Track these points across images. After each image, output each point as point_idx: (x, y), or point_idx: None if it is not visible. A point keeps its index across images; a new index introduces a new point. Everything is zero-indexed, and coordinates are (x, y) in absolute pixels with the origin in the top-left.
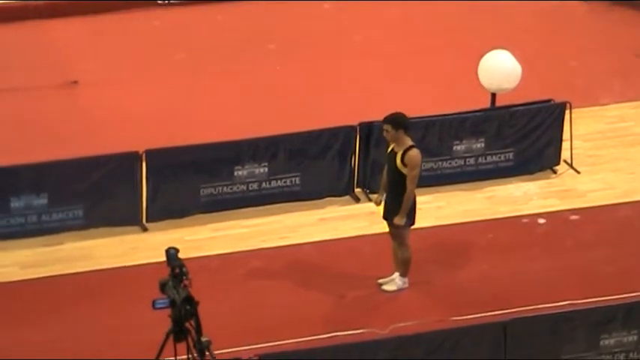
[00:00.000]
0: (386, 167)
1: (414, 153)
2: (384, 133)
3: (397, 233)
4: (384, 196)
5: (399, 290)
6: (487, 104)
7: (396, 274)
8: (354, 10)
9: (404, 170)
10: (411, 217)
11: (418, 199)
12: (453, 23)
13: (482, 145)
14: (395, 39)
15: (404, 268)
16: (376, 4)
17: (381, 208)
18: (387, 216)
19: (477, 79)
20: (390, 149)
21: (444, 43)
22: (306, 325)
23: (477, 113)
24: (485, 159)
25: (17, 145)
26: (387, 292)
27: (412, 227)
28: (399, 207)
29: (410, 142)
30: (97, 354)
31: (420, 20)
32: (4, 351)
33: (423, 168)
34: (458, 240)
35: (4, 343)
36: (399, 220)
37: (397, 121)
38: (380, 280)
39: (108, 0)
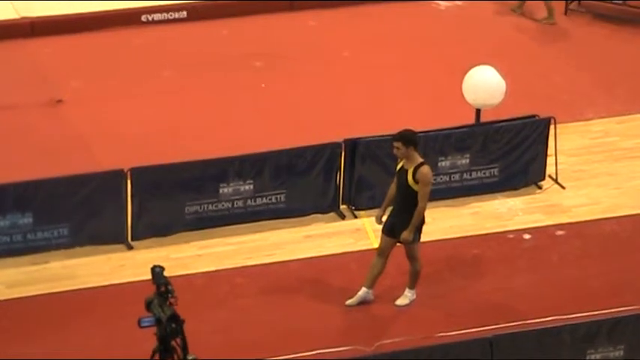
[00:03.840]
0: (395, 184)
1: (426, 170)
2: (395, 151)
3: (408, 249)
4: (387, 211)
5: (410, 303)
6: (472, 120)
7: (363, 290)
8: (339, 26)
9: (415, 187)
10: (419, 232)
11: None
12: (438, 39)
13: (467, 160)
14: (380, 55)
15: (413, 281)
16: (361, 21)
17: (371, 224)
18: (394, 231)
19: (462, 94)
20: (399, 166)
21: (429, 59)
22: (291, 342)
23: (462, 129)
24: (470, 175)
25: (2, 163)
26: (400, 306)
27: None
28: (407, 223)
29: (420, 159)
30: None
31: (405, 37)
32: None
33: None
34: (443, 256)
35: None
36: (408, 236)
37: (408, 138)
38: (348, 302)
39: (90, 18)
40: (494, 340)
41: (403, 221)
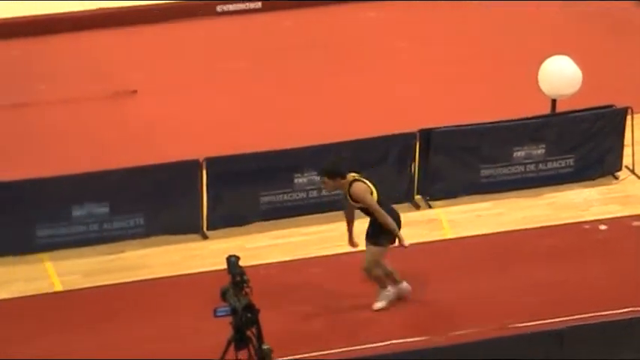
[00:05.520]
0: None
1: (356, 187)
2: (324, 186)
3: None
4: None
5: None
6: (547, 110)
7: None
8: (406, 16)
9: (359, 205)
10: (387, 237)
11: (478, 205)
12: (511, 28)
13: (543, 151)
14: (454, 45)
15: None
16: (427, 12)
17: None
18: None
19: (537, 84)
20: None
21: (502, 48)
22: (364, 331)
23: (538, 119)
24: (546, 165)
25: (78, 154)
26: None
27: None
28: (380, 230)
29: (350, 179)
30: None
31: (474, 28)
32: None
33: (483, 175)
34: (518, 246)
35: (69, 348)
36: (403, 242)
37: (329, 171)
38: (377, 305)
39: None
40: (565, 333)
41: (375, 229)
